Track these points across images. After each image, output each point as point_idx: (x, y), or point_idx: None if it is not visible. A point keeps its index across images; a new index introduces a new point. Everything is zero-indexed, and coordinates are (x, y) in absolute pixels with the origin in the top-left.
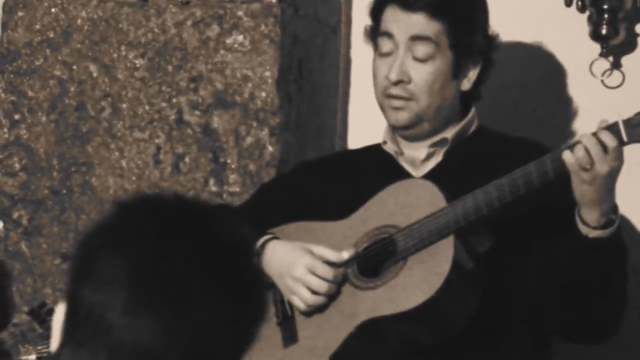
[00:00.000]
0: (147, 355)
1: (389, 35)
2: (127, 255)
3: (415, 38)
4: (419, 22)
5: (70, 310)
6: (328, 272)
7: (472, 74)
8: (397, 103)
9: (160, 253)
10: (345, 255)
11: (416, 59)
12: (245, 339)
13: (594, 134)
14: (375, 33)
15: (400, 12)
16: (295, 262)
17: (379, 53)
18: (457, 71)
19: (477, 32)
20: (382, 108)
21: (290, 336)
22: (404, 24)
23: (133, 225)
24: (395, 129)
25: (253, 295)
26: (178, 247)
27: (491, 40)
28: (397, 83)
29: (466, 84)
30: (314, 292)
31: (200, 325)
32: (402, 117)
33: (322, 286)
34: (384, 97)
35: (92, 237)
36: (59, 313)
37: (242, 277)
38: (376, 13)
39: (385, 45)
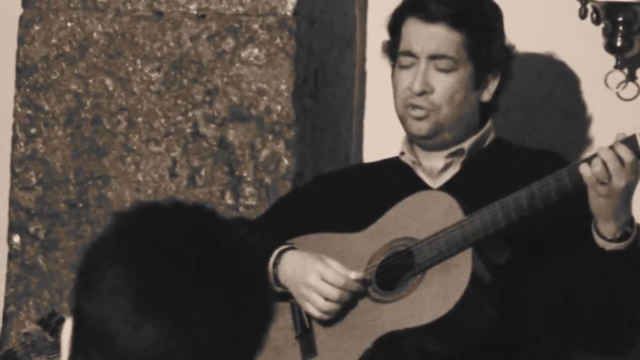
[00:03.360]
0: None
1: (409, 54)
2: (127, 265)
3: (434, 57)
4: (439, 34)
5: (76, 323)
6: (339, 280)
7: (492, 85)
8: (419, 113)
9: (158, 260)
10: (352, 275)
11: (439, 70)
12: (251, 342)
13: (611, 148)
14: (392, 48)
15: (421, 24)
16: (307, 269)
17: (399, 66)
18: (477, 82)
19: (495, 43)
20: (403, 119)
21: (308, 349)
22: (423, 39)
23: (131, 234)
24: (415, 139)
25: (256, 298)
26: (176, 254)
27: (508, 51)
28: (421, 94)
29: (486, 95)
30: (326, 299)
31: (203, 330)
32: (424, 126)
33: (333, 293)
34: (406, 108)
35: (94, 249)
36: (67, 327)
37: (243, 279)
38: (395, 26)
39: (406, 60)
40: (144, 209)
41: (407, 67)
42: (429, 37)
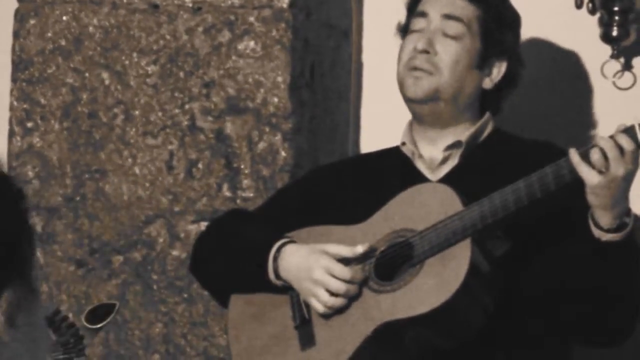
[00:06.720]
0: None
1: (423, 14)
2: None
3: (448, 17)
4: (457, 1)
5: None
6: (346, 273)
7: (496, 73)
8: (418, 74)
9: None
10: (360, 249)
11: (446, 35)
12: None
13: (611, 137)
14: (407, 26)
15: None
16: (312, 265)
17: (410, 31)
18: (482, 62)
19: (508, 29)
20: (402, 82)
21: (307, 339)
22: (440, 2)
23: None
24: (411, 104)
25: None
26: None
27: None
28: (423, 52)
29: (488, 82)
30: (333, 294)
31: None
32: (421, 87)
33: (341, 287)
34: (407, 70)
35: None
36: None
37: None
38: (414, 3)
39: (418, 23)
40: None
41: (416, 30)
42: (444, 3)
